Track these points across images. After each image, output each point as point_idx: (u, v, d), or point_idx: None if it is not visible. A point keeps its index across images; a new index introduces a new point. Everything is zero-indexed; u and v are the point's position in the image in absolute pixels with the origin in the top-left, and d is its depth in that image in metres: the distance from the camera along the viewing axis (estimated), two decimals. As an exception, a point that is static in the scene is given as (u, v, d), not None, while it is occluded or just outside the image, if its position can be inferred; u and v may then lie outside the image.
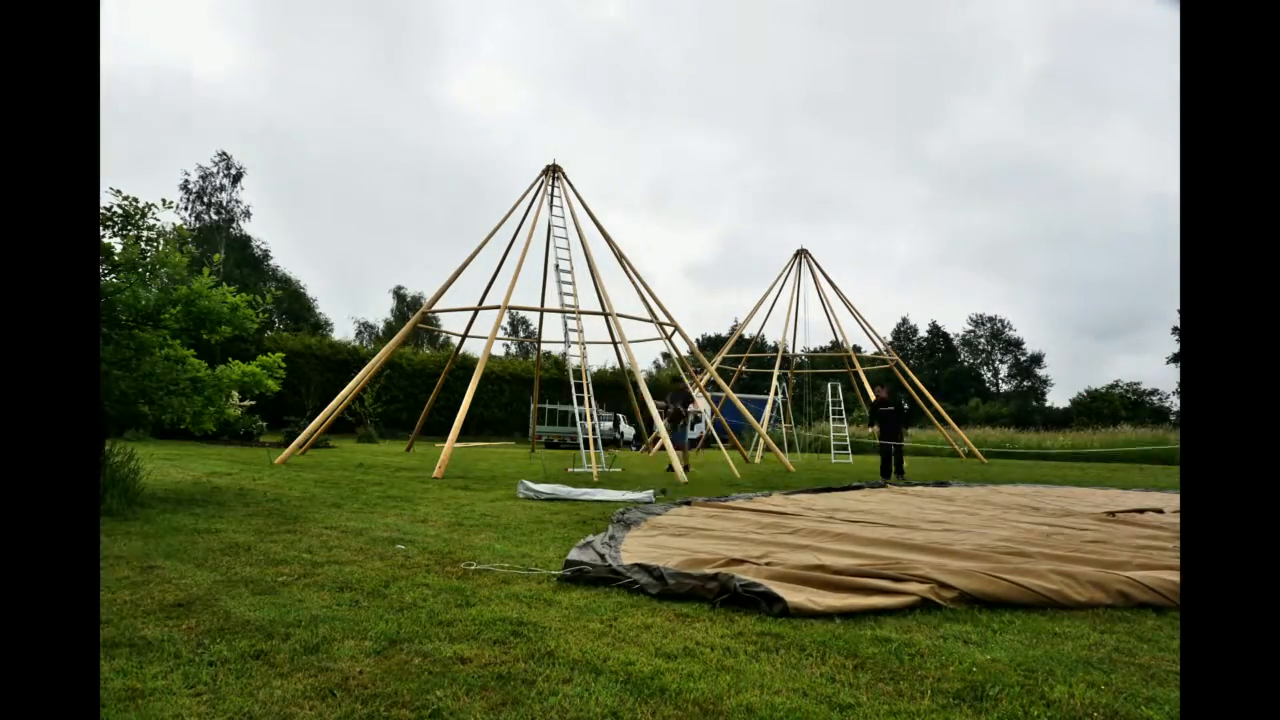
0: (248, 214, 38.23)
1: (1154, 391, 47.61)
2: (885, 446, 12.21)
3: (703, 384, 15.82)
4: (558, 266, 14.34)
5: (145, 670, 2.35)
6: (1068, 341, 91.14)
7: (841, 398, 21.00)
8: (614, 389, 30.88)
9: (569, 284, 13.92)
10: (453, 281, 14.52)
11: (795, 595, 3.38)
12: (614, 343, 17.22)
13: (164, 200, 6.34)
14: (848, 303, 21.87)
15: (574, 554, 4.23)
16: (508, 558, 4.29)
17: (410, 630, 2.82)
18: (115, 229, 6.19)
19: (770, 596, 3.31)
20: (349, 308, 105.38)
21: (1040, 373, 65.07)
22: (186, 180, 36.64)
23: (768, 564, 4.07)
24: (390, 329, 47.47)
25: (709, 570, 3.81)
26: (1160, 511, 6.47)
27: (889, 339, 56.95)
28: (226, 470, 9.70)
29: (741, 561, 4.08)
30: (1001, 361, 66.98)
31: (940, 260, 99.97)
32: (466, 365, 23.82)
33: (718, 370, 19.30)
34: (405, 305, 50.93)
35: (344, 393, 13.89)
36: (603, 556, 4.19)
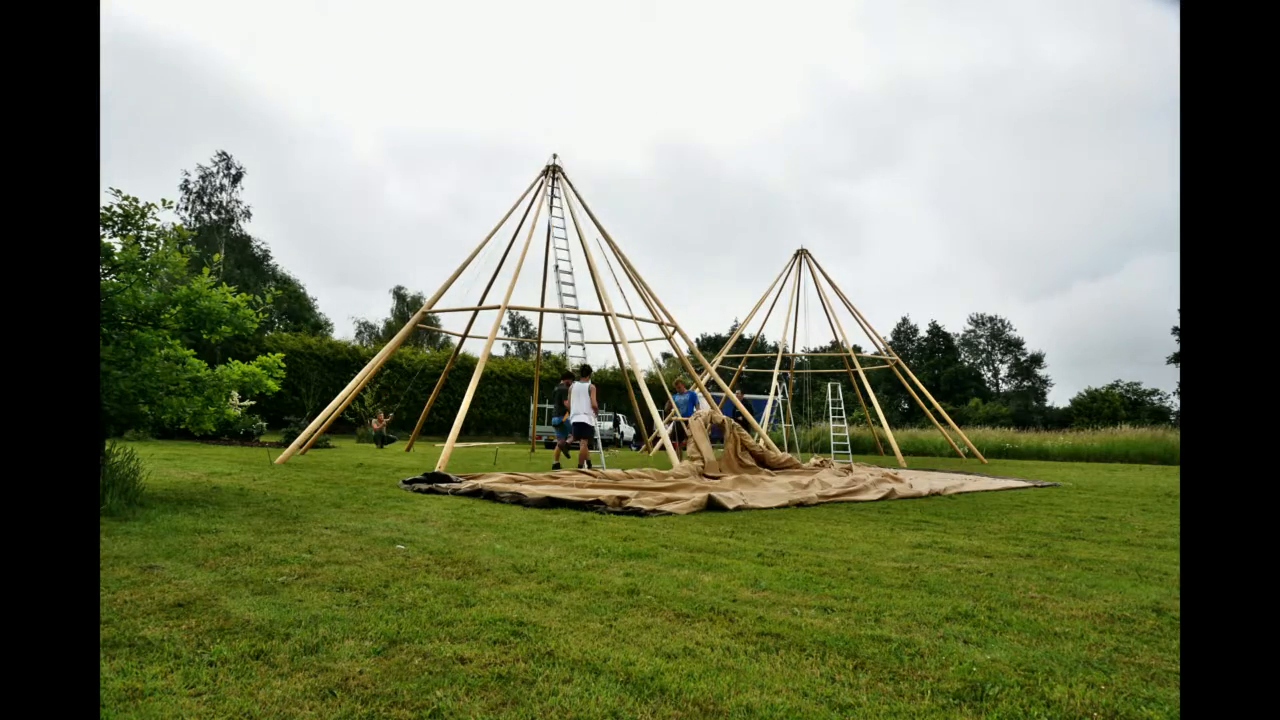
0: (248, 214, 38.21)
1: (1154, 391, 47.63)
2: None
3: (702, 384, 15.81)
4: (557, 267, 14.37)
5: (145, 670, 2.35)
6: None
7: (841, 398, 20.99)
8: (614, 389, 30.90)
9: (569, 284, 13.94)
10: (452, 281, 14.52)
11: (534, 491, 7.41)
12: (614, 343, 17.23)
13: (164, 200, 6.34)
14: (848, 303, 21.87)
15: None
16: (508, 558, 4.29)
17: (410, 630, 2.82)
18: (115, 229, 6.19)
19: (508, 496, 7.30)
20: (349, 308, 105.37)
21: (1040, 373, 65.11)
22: (186, 180, 36.61)
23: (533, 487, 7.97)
24: (390, 329, 47.47)
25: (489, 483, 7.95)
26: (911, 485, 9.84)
27: (889, 339, 57.03)
28: (226, 470, 9.70)
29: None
30: (1001, 361, 66.99)
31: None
32: (466, 365, 23.85)
33: (718, 370, 19.30)
34: (405, 305, 50.93)
35: (344, 393, 13.88)
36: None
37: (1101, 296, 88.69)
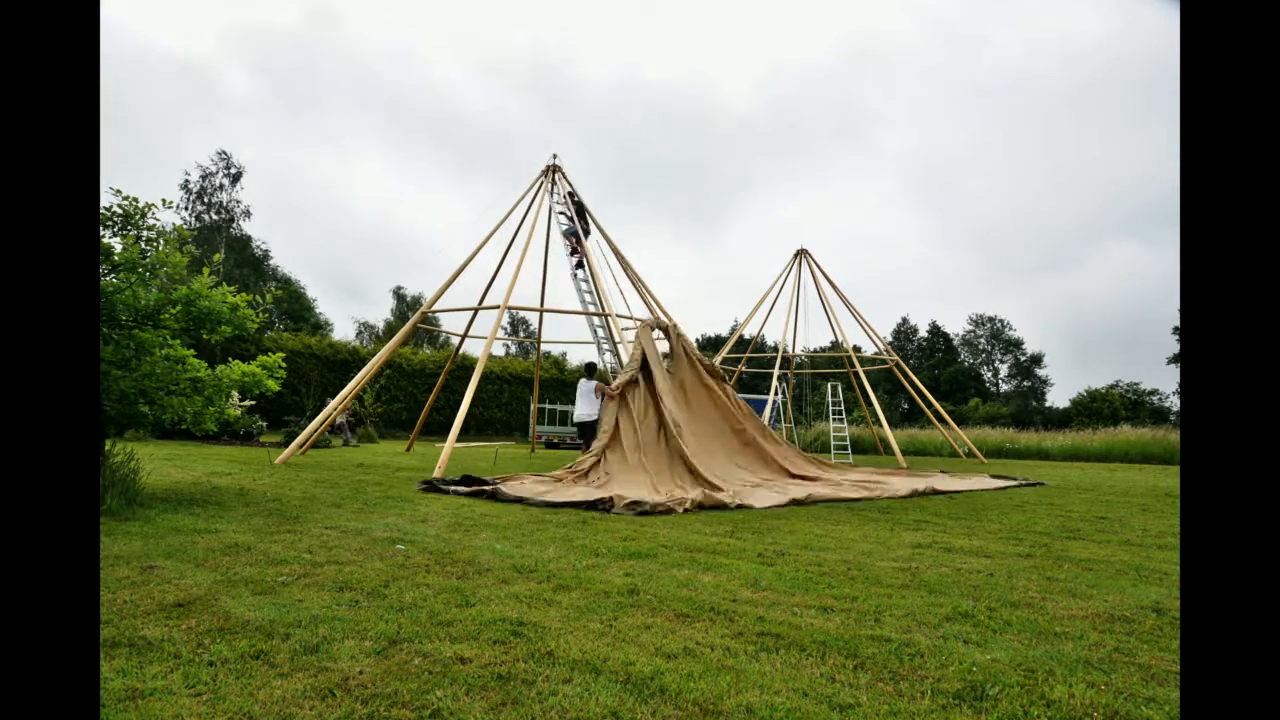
0: (248, 214, 38.15)
1: (1154, 391, 47.68)
2: None
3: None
4: (575, 274, 14.53)
5: (145, 670, 2.35)
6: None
7: (841, 398, 20.99)
8: (614, 389, 30.84)
9: (588, 285, 14.07)
10: (452, 281, 14.51)
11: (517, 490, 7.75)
12: (614, 343, 17.21)
13: (164, 200, 6.33)
14: (847, 303, 21.87)
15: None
16: (508, 558, 4.29)
17: (410, 630, 2.82)
18: (115, 229, 6.19)
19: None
20: (349, 308, 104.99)
21: (1040, 373, 65.14)
22: (186, 180, 36.56)
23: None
24: (390, 329, 47.47)
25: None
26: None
27: (889, 339, 57.01)
28: (226, 470, 9.70)
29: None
30: (1001, 361, 67.00)
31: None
32: (466, 365, 23.84)
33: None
34: (405, 305, 50.91)
35: (344, 393, 13.88)
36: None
37: (1081, 286, 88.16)
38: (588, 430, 11.45)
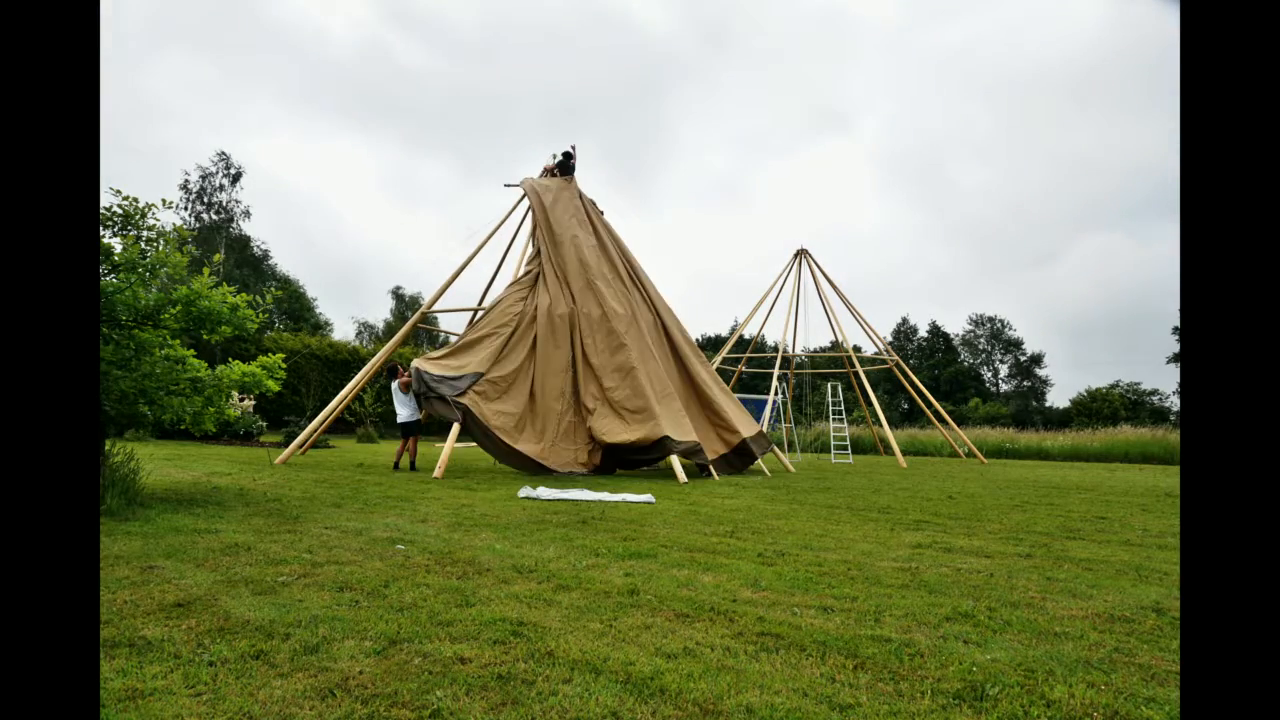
0: (247, 214, 38.17)
1: (1154, 391, 47.72)
2: None
3: None
4: None
5: (145, 670, 2.35)
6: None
7: (841, 398, 21.01)
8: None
9: None
10: (452, 281, 14.51)
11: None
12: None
13: (164, 200, 6.33)
14: (847, 302, 21.88)
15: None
16: (508, 558, 4.29)
17: (410, 630, 2.82)
18: (115, 229, 6.19)
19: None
20: (349, 308, 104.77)
21: (1040, 373, 65.16)
22: (186, 180, 36.58)
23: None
24: (390, 329, 47.48)
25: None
26: None
27: (889, 339, 57.07)
28: (226, 470, 9.70)
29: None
30: (1001, 361, 67.03)
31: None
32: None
33: (717, 370, 19.29)
34: (405, 305, 50.92)
35: (344, 393, 13.88)
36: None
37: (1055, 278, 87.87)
38: (410, 428, 11.78)
